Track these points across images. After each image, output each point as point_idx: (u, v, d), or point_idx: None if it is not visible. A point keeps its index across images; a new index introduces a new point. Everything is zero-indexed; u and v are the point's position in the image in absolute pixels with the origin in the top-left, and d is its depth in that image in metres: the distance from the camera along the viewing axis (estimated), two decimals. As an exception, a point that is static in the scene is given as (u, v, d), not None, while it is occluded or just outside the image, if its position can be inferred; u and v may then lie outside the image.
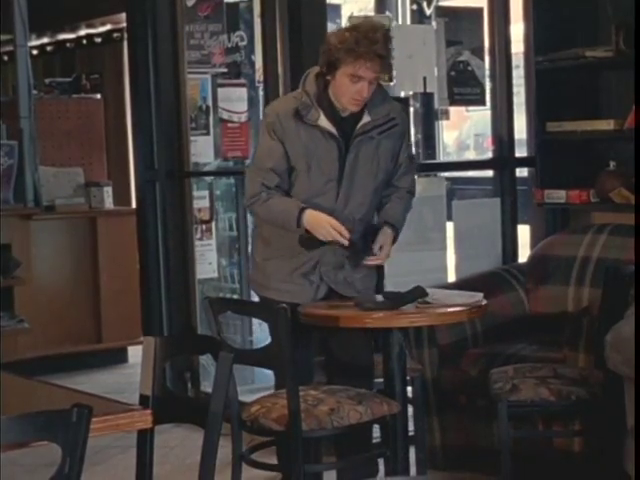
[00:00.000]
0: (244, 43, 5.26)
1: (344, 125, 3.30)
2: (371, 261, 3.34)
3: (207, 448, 2.35)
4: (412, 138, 3.55)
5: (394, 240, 3.38)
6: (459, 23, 4.67)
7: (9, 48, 6.69)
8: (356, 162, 3.30)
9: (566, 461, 3.63)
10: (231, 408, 3.10)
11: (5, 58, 7.61)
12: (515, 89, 4.73)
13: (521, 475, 3.50)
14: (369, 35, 3.13)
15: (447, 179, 4.80)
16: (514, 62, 4.71)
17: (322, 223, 3.22)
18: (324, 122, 3.26)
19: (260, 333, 5.18)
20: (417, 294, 3.23)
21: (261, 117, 5.09)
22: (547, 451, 3.68)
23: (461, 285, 3.88)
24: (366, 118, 3.30)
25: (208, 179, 5.36)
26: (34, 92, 6.27)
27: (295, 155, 3.28)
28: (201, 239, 5.22)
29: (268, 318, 3.16)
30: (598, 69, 4.44)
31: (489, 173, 5.05)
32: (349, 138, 3.30)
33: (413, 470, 3.52)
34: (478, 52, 4.68)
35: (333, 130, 3.27)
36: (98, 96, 7.10)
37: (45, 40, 8.07)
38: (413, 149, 5.45)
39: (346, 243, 3.22)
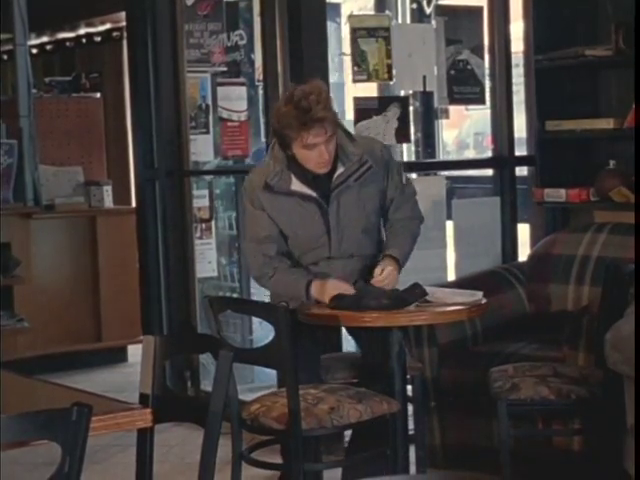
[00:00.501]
0: (244, 42, 5.25)
1: (319, 182, 3.31)
2: (377, 283, 3.31)
3: (207, 447, 2.35)
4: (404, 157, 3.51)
5: (400, 268, 3.34)
6: (459, 22, 4.67)
7: (9, 47, 6.68)
8: (340, 213, 3.32)
9: (566, 460, 3.63)
10: (231, 407, 3.09)
11: (5, 57, 7.60)
12: (515, 88, 4.73)
13: (521, 474, 3.50)
14: (302, 105, 3.14)
15: (447, 178, 4.80)
16: (514, 61, 4.71)
17: (327, 292, 3.23)
18: (297, 186, 3.29)
19: (260, 332, 5.18)
20: (417, 294, 3.22)
21: (261, 118, 5.15)
22: (547, 450, 3.68)
23: (461, 284, 3.88)
24: (340, 169, 3.31)
25: (208, 178, 5.36)
26: (34, 91, 6.27)
27: (280, 223, 3.33)
28: (201, 238, 5.21)
29: (268, 317, 3.16)
30: (598, 68, 4.44)
31: (489, 172, 5.05)
32: (328, 193, 3.31)
33: (413, 469, 3.52)
34: (478, 51, 4.67)
35: (309, 192, 3.30)
36: (98, 95, 7.10)
37: (45, 39, 8.06)
38: (413, 149, 5.48)
39: (352, 292, 3.24)
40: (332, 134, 3.21)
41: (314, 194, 3.30)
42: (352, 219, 3.34)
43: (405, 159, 5.56)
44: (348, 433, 3.88)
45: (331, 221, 3.32)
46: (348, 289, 3.25)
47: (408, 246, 3.41)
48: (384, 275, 3.28)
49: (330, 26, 4.70)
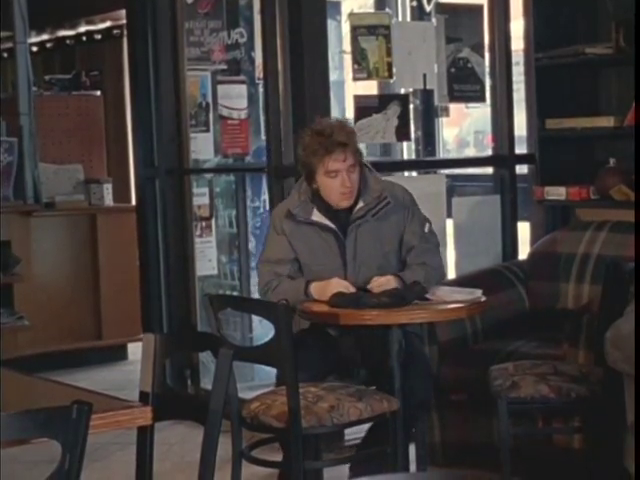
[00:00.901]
0: (244, 40, 5.25)
1: (340, 217, 3.43)
2: (373, 286, 3.31)
3: (207, 445, 2.35)
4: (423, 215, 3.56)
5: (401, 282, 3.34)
6: (459, 20, 4.67)
7: (9, 45, 6.68)
8: (357, 247, 3.40)
9: (566, 458, 3.63)
10: (231, 405, 3.10)
11: (5, 55, 7.59)
12: (515, 86, 4.72)
13: (521, 472, 3.50)
14: (325, 132, 3.34)
15: (447, 176, 4.79)
16: (514, 59, 4.70)
17: (326, 291, 3.29)
18: (317, 217, 3.42)
19: (260, 330, 5.18)
20: (416, 292, 3.23)
21: (261, 116, 5.14)
22: (547, 448, 3.68)
23: (461, 282, 3.88)
24: (360, 205, 3.43)
25: (208, 176, 5.35)
26: (34, 89, 6.27)
27: (299, 250, 3.43)
28: (201, 236, 5.21)
29: (268, 315, 3.16)
30: (598, 66, 4.44)
31: (489, 170, 5.04)
32: (346, 227, 3.42)
33: (413, 467, 3.52)
34: (478, 49, 4.67)
35: (328, 223, 3.41)
36: (98, 93, 7.09)
37: (45, 37, 8.06)
38: (413, 145, 5.48)
39: (351, 289, 3.27)
40: (354, 163, 3.35)
41: (333, 226, 3.42)
42: (369, 255, 3.41)
43: (405, 157, 5.57)
44: (349, 431, 3.89)
45: (348, 254, 3.41)
46: (348, 287, 3.26)
47: (417, 277, 3.38)
48: (381, 280, 3.29)
49: (330, 24, 4.70)
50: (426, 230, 3.49)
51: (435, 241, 3.53)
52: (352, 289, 3.28)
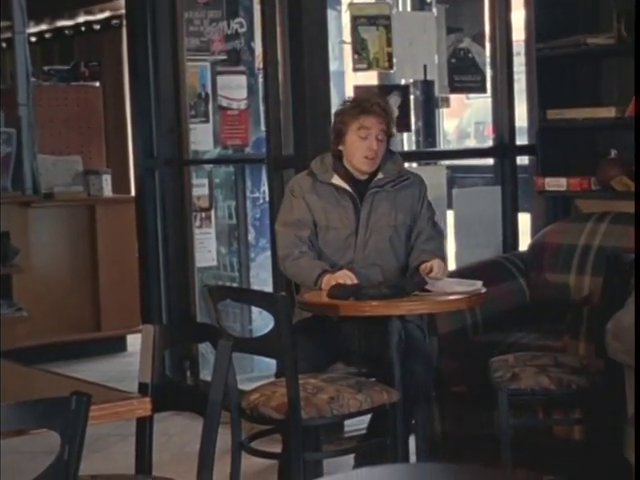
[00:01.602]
0: (244, 30, 5.24)
1: (359, 186, 3.52)
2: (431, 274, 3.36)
3: (206, 436, 2.35)
4: (430, 199, 3.68)
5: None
6: (460, 10, 4.66)
7: (7, 35, 6.66)
8: (371, 214, 3.47)
9: (566, 449, 3.63)
10: (230, 396, 3.10)
11: (3, 45, 7.58)
12: (516, 76, 4.71)
13: (521, 463, 3.50)
14: (363, 97, 3.55)
15: (447, 167, 4.79)
16: (515, 49, 4.69)
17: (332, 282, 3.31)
18: (337, 180, 3.50)
19: (259, 321, 5.18)
20: (416, 283, 3.22)
21: (261, 106, 5.13)
22: (547, 439, 3.68)
23: (461, 273, 3.87)
24: (380, 175, 3.52)
25: (207, 167, 5.35)
26: (32, 79, 6.25)
27: (315, 210, 3.49)
28: (200, 227, 5.21)
29: (268, 306, 3.16)
30: (599, 56, 4.42)
31: (490, 161, 5.04)
32: (364, 194, 3.50)
33: (413, 459, 3.52)
34: (479, 39, 4.66)
35: (346, 186, 3.49)
36: (97, 84, 7.08)
37: (43, 27, 8.04)
38: (413, 135, 5.48)
39: (354, 281, 3.28)
40: (385, 131, 3.44)
41: (350, 190, 3.49)
42: (381, 224, 3.48)
43: (405, 148, 5.56)
44: (349, 422, 3.89)
45: (361, 219, 3.46)
46: (353, 279, 3.26)
47: (442, 249, 3.55)
48: (437, 267, 3.35)
49: (330, 14, 4.68)
50: (435, 219, 3.60)
51: (441, 229, 3.66)
52: (353, 278, 3.28)
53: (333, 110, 4.24)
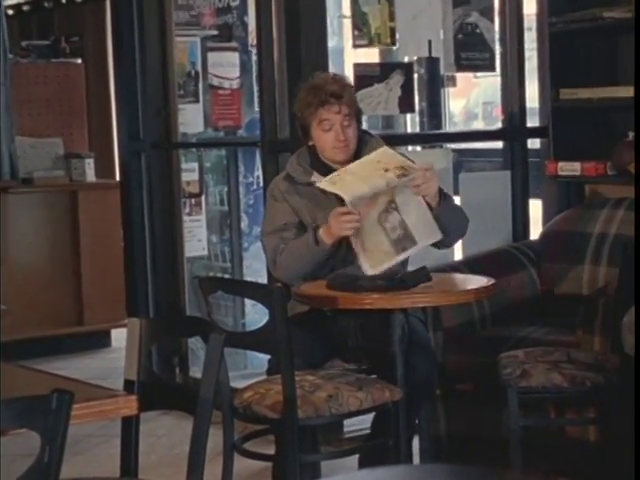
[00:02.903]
0: (236, 3, 5.23)
1: None
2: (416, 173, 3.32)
3: (196, 437, 2.36)
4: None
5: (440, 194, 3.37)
6: (467, -19, 4.64)
7: (-17, 8, 6.64)
8: None
9: (580, 451, 3.64)
10: (222, 394, 3.10)
11: (-22, 19, 7.55)
12: (527, 53, 4.71)
13: (532, 466, 3.51)
14: (317, 83, 3.48)
15: (454, 151, 4.80)
16: (526, 24, 4.68)
17: (331, 222, 3.30)
18: (317, 178, 3.47)
19: (253, 315, 5.19)
20: (419, 277, 3.22)
21: (254, 86, 5.13)
22: (560, 441, 3.69)
23: (469, 263, 3.89)
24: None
25: (197, 150, 5.34)
26: (9, 56, 6.24)
27: (300, 211, 3.49)
28: (190, 214, 5.21)
29: (262, 298, 3.16)
30: (617, 31, 4.41)
31: (499, 144, 5.04)
32: None
33: (416, 461, 3.53)
34: (487, 13, 4.65)
35: None
36: (79, 60, 7.06)
37: None
38: (417, 119, 5.46)
39: (358, 220, 3.25)
40: (349, 115, 3.44)
41: None
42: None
43: (409, 130, 5.56)
44: (349, 422, 3.90)
45: None
46: (352, 216, 3.24)
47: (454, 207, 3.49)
48: (425, 164, 3.32)
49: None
50: None
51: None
52: (354, 215, 3.24)
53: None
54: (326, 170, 3.47)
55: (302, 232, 3.46)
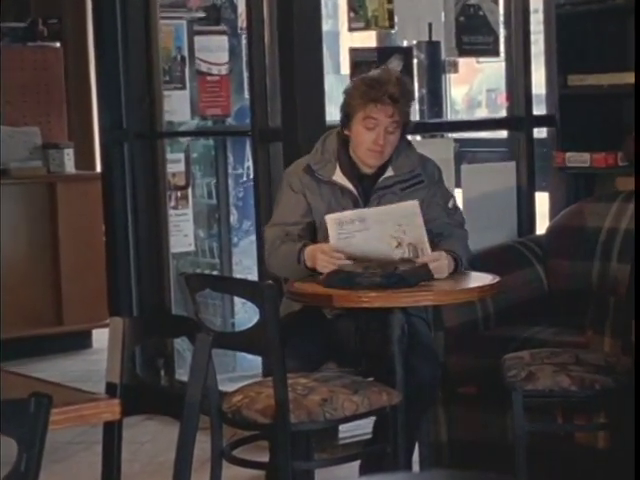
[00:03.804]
0: (225, -16, 5.23)
1: (365, 182, 3.47)
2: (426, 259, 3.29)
3: (183, 443, 2.36)
4: (447, 184, 3.66)
5: (455, 268, 3.34)
6: (470, -39, 4.64)
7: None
8: None
9: (589, 458, 3.65)
10: (210, 398, 3.10)
11: (-50, 1, 7.54)
12: (533, 37, 4.71)
13: (538, 474, 3.52)
14: (381, 78, 3.41)
15: (455, 140, 4.79)
16: (532, 5, 4.69)
17: (314, 253, 3.28)
18: (339, 177, 3.43)
19: (243, 314, 5.19)
20: (420, 275, 3.22)
21: (244, 71, 5.12)
22: (568, 447, 3.70)
23: (471, 260, 3.88)
24: (389, 173, 3.46)
25: (184, 140, 5.34)
26: (-17, 39, 6.23)
27: (317, 212, 3.43)
28: (176, 208, 5.21)
29: (252, 296, 3.16)
30: (628, 13, 4.41)
31: (503, 134, 5.05)
32: (369, 195, 3.44)
33: (416, 468, 3.53)
34: (491, -6, 4.65)
35: (349, 185, 3.44)
36: (57, 44, 7.04)
37: (-4, -20, 7.99)
38: (417, 110, 5.47)
39: (339, 262, 3.23)
40: (397, 122, 3.39)
41: (354, 190, 3.44)
42: None
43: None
44: (344, 428, 3.90)
45: None
46: (334, 256, 3.22)
47: (462, 250, 3.41)
48: (435, 254, 3.27)
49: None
50: (450, 206, 3.54)
51: (459, 218, 3.57)
52: (337, 255, 3.22)
53: (326, 76, 4.24)
54: (351, 167, 3.43)
55: (310, 231, 3.44)
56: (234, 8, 5.27)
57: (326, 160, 3.45)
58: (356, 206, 3.41)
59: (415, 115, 5.58)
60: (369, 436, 3.64)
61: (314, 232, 3.45)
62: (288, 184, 3.50)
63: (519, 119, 4.72)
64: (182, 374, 4.87)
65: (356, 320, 3.45)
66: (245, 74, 5.14)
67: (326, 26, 4.85)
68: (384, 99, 3.35)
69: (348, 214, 3.27)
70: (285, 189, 3.51)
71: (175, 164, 5.22)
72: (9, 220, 6.09)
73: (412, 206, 3.31)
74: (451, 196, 3.61)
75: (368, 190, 3.45)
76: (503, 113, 5.23)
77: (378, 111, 3.36)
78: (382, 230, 3.25)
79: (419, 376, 3.32)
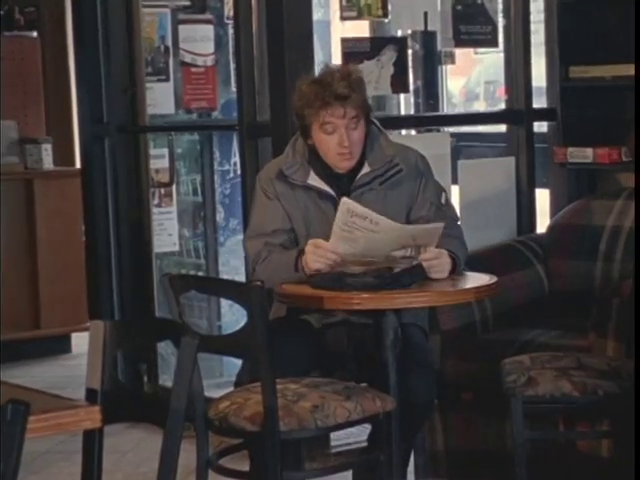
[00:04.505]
0: (210, -31, 5.24)
1: (341, 182, 3.44)
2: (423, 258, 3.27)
3: (167, 452, 2.36)
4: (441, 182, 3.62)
5: (454, 268, 3.33)
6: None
7: None
8: None
9: (592, 468, 3.66)
10: (195, 405, 3.10)
11: None
12: (533, 27, 4.72)
13: (538, 484, 3.53)
14: (324, 80, 3.37)
15: (452, 135, 4.80)
16: (533, -7, 4.70)
17: (307, 250, 3.26)
18: (314, 180, 3.42)
19: (230, 316, 5.19)
20: (414, 275, 3.22)
21: (231, 63, 5.12)
22: (570, 456, 3.71)
23: (469, 260, 3.88)
24: (365, 169, 3.44)
25: (168, 135, 5.34)
26: (-44, 29, 6.22)
27: (294, 218, 3.42)
28: (159, 206, 5.21)
29: (240, 298, 3.16)
30: (633, 2, 4.42)
31: (502, 128, 5.05)
32: (348, 194, 3.40)
33: (412, 478, 3.54)
34: (490, -19, 4.66)
35: (325, 188, 3.42)
36: (34, 34, 7.04)
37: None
38: (412, 100, 5.48)
39: (333, 260, 3.22)
40: (356, 118, 3.34)
41: (332, 192, 3.42)
42: None
43: (402, 112, 5.56)
44: (336, 435, 3.90)
45: None
46: (328, 255, 3.22)
47: (459, 249, 3.40)
48: (437, 251, 3.26)
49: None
50: (442, 201, 3.52)
51: (452, 214, 3.55)
52: (330, 255, 3.21)
53: (317, 68, 4.23)
54: (324, 170, 3.41)
55: (291, 240, 3.42)
56: (220, -4, 5.28)
57: (298, 163, 3.43)
58: (336, 208, 3.34)
59: (410, 108, 5.61)
60: (362, 444, 3.65)
61: (296, 241, 3.43)
62: (262, 191, 3.48)
63: (519, 112, 4.73)
64: (166, 380, 4.87)
65: (345, 325, 3.45)
66: (232, 65, 5.14)
67: (317, 15, 4.87)
68: (332, 102, 3.31)
69: (365, 210, 3.21)
70: (259, 198, 3.48)
71: (159, 160, 5.22)
72: (-16, 218, 6.08)
73: (436, 229, 3.27)
74: (442, 190, 3.57)
75: (346, 190, 3.41)
76: (502, 106, 5.24)
77: (331, 115, 3.33)
78: (391, 239, 3.22)
79: (414, 394, 3.31)
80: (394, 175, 3.44)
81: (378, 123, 3.53)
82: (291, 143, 3.51)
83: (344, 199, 3.24)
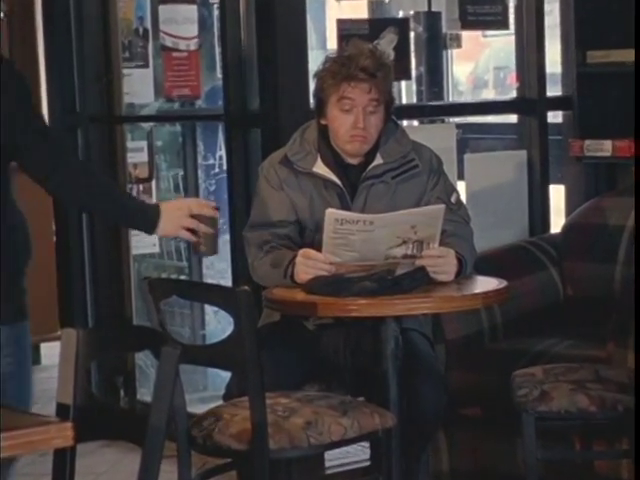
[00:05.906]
0: (193, -56, 5.24)
1: (350, 173, 3.48)
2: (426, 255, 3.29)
3: (145, 474, 2.36)
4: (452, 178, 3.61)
5: (459, 272, 3.35)
6: None
7: None
8: (364, 211, 3.39)
9: (610, 489, 3.67)
10: (177, 421, 3.11)
11: None
12: (547, 7, 4.73)
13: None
14: (350, 54, 3.42)
15: (458, 126, 4.81)
16: (546, -28, 4.72)
17: (297, 261, 3.28)
18: (320, 168, 3.45)
19: (215, 324, 5.20)
20: (417, 279, 3.23)
21: (217, 47, 5.12)
22: (586, 477, 3.71)
23: (476, 262, 3.89)
24: (377, 160, 3.47)
25: (146, 126, 5.35)
26: None
27: (299, 207, 3.45)
28: (137, 203, 5.21)
29: (226, 304, 3.17)
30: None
31: (513, 118, 5.06)
32: (356, 185, 3.45)
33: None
34: (499, -42, 4.68)
35: (332, 177, 3.45)
36: (0, 15, 7.05)
37: None
38: (414, 91, 5.49)
39: (327, 270, 3.25)
40: (377, 101, 3.38)
41: (338, 181, 3.45)
42: None
43: (404, 101, 5.58)
44: (331, 455, 3.91)
45: None
46: (320, 265, 3.24)
47: (470, 251, 3.43)
48: (442, 249, 3.28)
49: None
50: (453, 200, 3.54)
51: (463, 214, 3.57)
52: (324, 266, 3.23)
53: (310, 52, 4.24)
54: (334, 158, 3.45)
55: (297, 231, 3.44)
56: (205, -26, 5.29)
57: (306, 151, 3.47)
58: (342, 199, 3.42)
59: (412, 96, 5.62)
60: (359, 464, 3.65)
61: (302, 233, 3.46)
62: (265, 180, 3.51)
63: (531, 101, 4.74)
64: (145, 394, 4.88)
65: (343, 331, 3.46)
66: (217, 50, 5.15)
67: (310, -6, 4.87)
68: (358, 74, 3.36)
69: (353, 215, 3.25)
70: (263, 186, 3.51)
71: (137, 153, 5.22)
72: (-55, 217, 6.08)
73: (437, 210, 3.29)
74: (454, 190, 3.61)
75: (355, 180, 3.46)
76: (513, 94, 5.25)
77: (353, 90, 3.37)
78: (389, 232, 3.24)
79: (422, 403, 3.32)
80: (409, 170, 3.49)
81: (395, 120, 3.57)
82: (299, 131, 3.54)
83: (328, 210, 3.27)
